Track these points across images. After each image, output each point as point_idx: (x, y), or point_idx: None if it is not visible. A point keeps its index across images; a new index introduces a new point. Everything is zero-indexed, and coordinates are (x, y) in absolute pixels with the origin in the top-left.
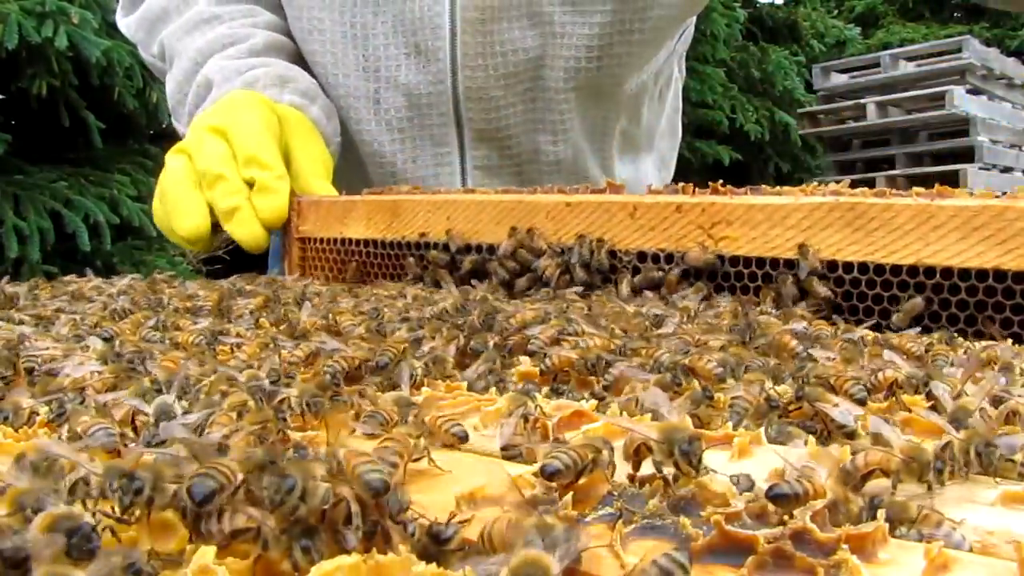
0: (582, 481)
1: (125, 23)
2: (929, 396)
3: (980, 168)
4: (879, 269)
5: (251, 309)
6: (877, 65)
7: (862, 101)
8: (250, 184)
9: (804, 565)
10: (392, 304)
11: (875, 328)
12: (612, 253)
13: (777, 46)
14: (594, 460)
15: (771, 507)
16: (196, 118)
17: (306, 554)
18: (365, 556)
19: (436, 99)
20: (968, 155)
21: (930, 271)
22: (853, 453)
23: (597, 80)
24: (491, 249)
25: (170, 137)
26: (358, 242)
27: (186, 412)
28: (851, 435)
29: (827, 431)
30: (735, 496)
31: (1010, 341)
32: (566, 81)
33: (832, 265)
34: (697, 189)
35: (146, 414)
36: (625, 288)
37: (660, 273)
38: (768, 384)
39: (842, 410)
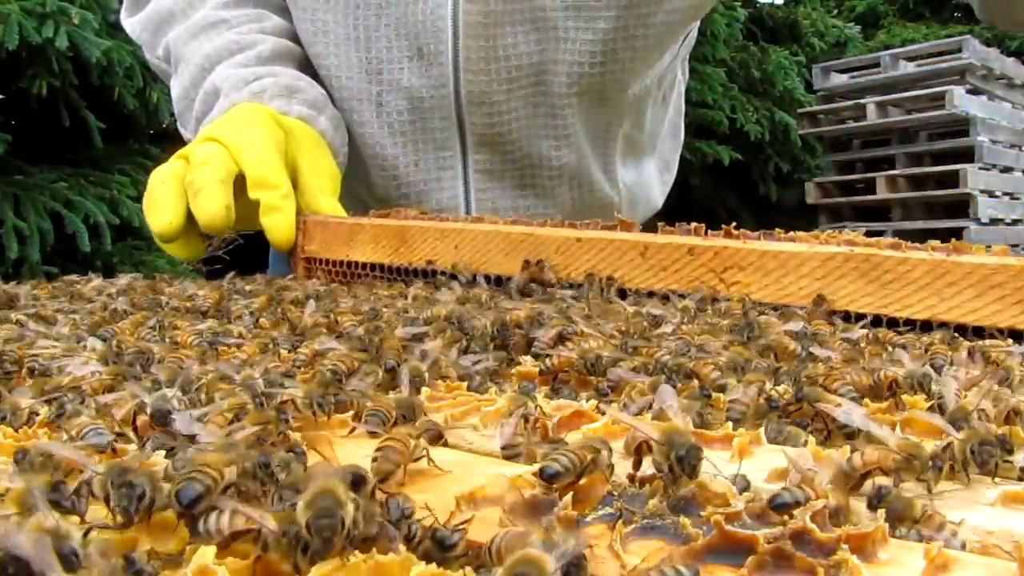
0: (582, 481)
1: (129, 23)
2: (929, 396)
3: (980, 168)
4: (892, 322)
5: (251, 309)
6: (877, 65)
7: (862, 101)
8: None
9: (804, 565)
10: (392, 304)
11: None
12: (622, 292)
13: (777, 46)
14: (593, 460)
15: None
16: (202, 130)
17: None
18: (365, 556)
19: (438, 103)
20: (968, 155)
21: (944, 327)
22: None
23: (600, 85)
24: (499, 280)
25: (170, 137)
26: (364, 265)
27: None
28: (852, 435)
29: (827, 431)
30: (735, 496)
31: (1010, 340)
32: (569, 86)
33: (846, 316)
34: (710, 231)
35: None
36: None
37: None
38: (768, 385)
39: (844, 410)
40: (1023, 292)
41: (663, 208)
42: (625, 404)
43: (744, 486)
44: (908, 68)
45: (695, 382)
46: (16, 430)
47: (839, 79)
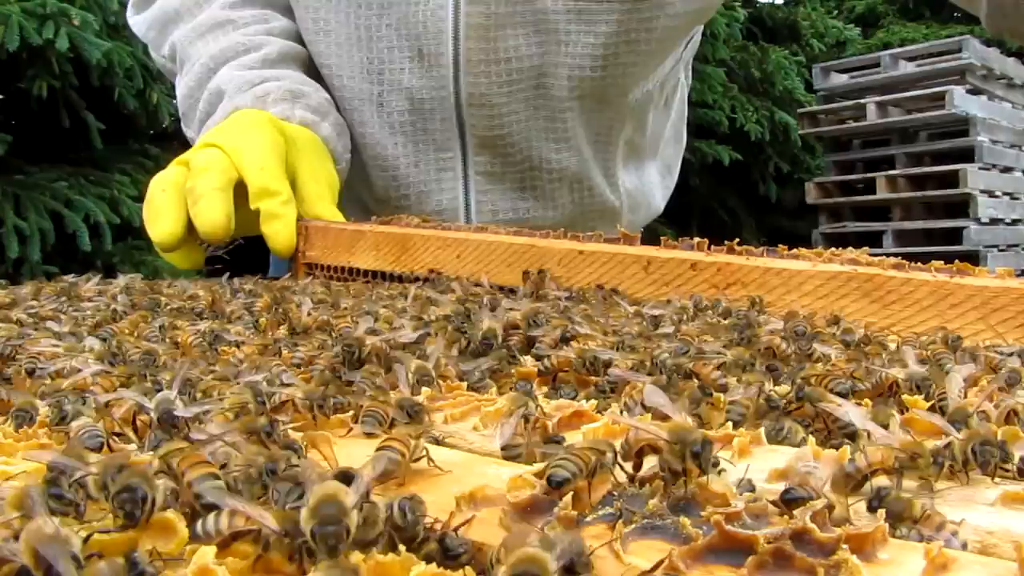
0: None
1: (135, 21)
2: (929, 397)
3: (980, 168)
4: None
5: (251, 309)
6: (877, 65)
7: (862, 101)
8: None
9: (804, 565)
10: (392, 304)
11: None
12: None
13: (777, 46)
14: (599, 463)
15: (771, 507)
16: (203, 134)
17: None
18: (365, 556)
19: (438, 104)
20: (968, 155)
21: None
22: (853, 453)
23: (601, 89)
24: (499, 290)
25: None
26: (366, 272)
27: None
28: (852, 435)
29: (827, 431)
30: (735, 496)
31: (1011, 339)
32: (570, 90)
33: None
34: (712, 247)
35: (147, 413)
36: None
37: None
38: (768, 386)
39: (846, 410)
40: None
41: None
42: (626, 405)
43: (749, 488)
44: (908, 68)
45: (695, 382)
46: (16, 430)
47: (839, 79)
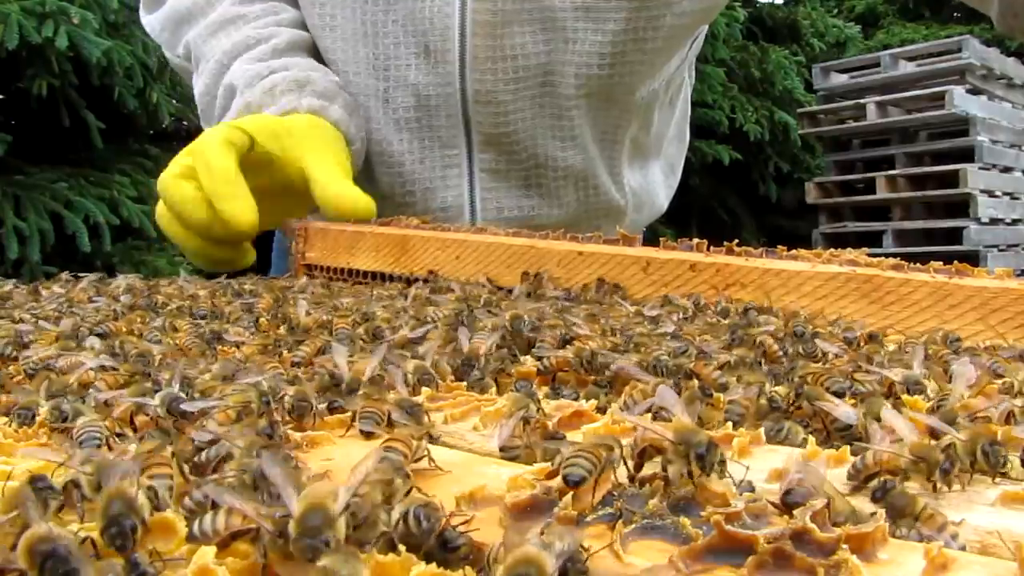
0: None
1: (148, 21)
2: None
3: (980, 168)
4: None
5: (252, 309)
6: (877, 65)
7: (862, 101)
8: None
9: (804, 565)
10: (391, 304)
11: None
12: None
13: (777, 46)
14: (608, 459)
15: (771, 507)
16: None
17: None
18: (365, 556)
19: (444, 101)
20: (968, 155)
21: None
22: (857, 453)
23: (608, 88)
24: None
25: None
26: (365, 274)
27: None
28: (850, 435)
29: (826, 431)
30: (735, 496)
31: (1011, 340)
32: (577, 88)
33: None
34: (712, 248)
35: (146, 414)
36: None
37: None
38: (768, 386)
39: (844, 410)
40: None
41: None
42: (627, 404)
43: (749, 488)
44: (908, 68)
45: (695, 382)
46: (16, 430)
47: (839, 79)
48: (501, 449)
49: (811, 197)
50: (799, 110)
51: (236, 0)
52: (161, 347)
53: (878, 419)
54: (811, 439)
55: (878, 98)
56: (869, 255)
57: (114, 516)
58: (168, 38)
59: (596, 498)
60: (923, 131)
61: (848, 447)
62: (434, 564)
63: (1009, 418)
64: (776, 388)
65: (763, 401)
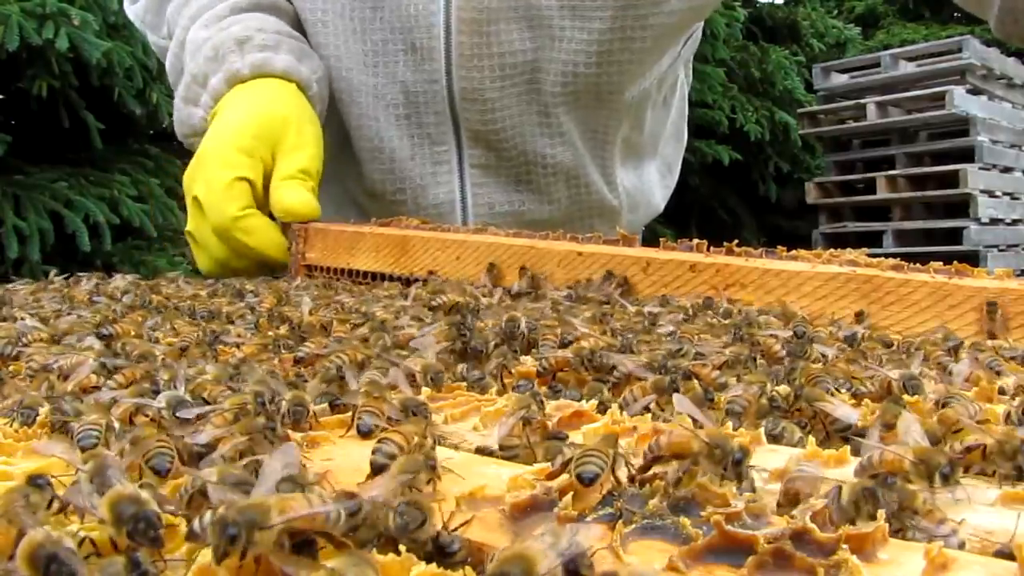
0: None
1: (132, 11)
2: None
3: (980, 168)
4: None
5: (254, 309)
6: (877, 65)
7: (862, 101)
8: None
9: (804, 565)
10: (390, 304)
11: None
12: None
13: (777, 46)
14: (615, 457)
15: (771, 507)
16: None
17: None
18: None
19: (431, 97)
20: (968, 155)
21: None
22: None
23: (596, 86)
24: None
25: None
26: (365, 274)
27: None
28: (848, 435)
29: (826, 432)
30: (735, 496)
31: (1011, 339)
32: (564, 85)
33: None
34: (712, 248)
35: (146, 415)
36: None
37: None
38: (768, 386)
39: (843, 410)
40: (1017, 320)
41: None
42: (626, 401)
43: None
44: (908, 68)
45: (695, 382)
46: (16, 430)
47: (839, 79)
48: (500, 448)
49: (811, 197)
50: (799, 110)
51: None
52: (161, 347)
53: (892, 424)
54: (811, 439)
55: (878, 98)
56: (869, 255)
57: (132, 515)
58: (152, 20)
59: (593, 499)
60: (923, 131)
61: (848, 447)
62: (434, 564)
63: (1008, 417)
64: (777, 388)
65: (763, 400)
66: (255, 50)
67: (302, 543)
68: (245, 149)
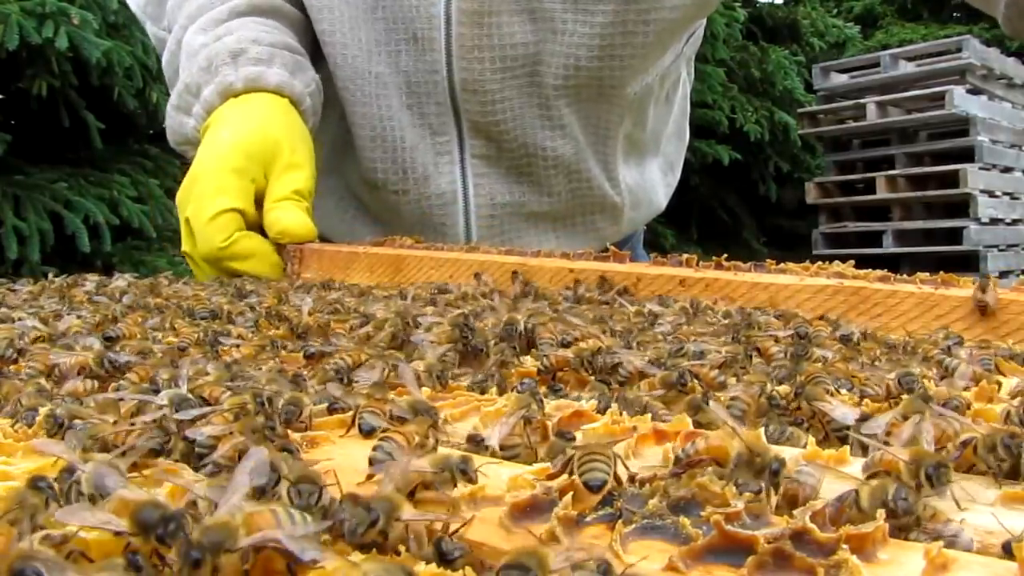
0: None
1: (135, 1)
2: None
3: (980, 168)
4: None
5: (252, 309)
6: (877, 65)
7: (862, 101)
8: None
9: (804, 565)
10: (389, 305)
11: None
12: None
13: (777, 46)
14: (615, 459)
15: (771, 507)
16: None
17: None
18: (365, 556)
19: (432, 88)
20: (968, 155)
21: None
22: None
23: (597, 80)
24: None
25: None
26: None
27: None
28: (845, 436)
29: (824, 432)
30: (735, 496)
31: (1011, 341)
32: (565, 79)
33: None
34: (701, 263)
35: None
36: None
37: None
38: (769, 386)
39: (842, 411)
40: (1010, 325)
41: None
42: (626, 399)
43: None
44: (908, 68)
45: (695, 383)
46: (15, 430)
47: (839, 79)
48: (500, 448)
49: (811, 197)
50: (799, 110)
51: None
52: (161, 347)
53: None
54: (811, 439)
55: (878, 98)
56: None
57: (160, 519)
58: (153, 10)
59: (593, 499)
60: (923, 131)
61: (847, 448)
62: (434, 565)
63: (1008, 417)
64: (778, 388)
65: (763, 400)
66: (249, 63)
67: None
68: (238, 170)
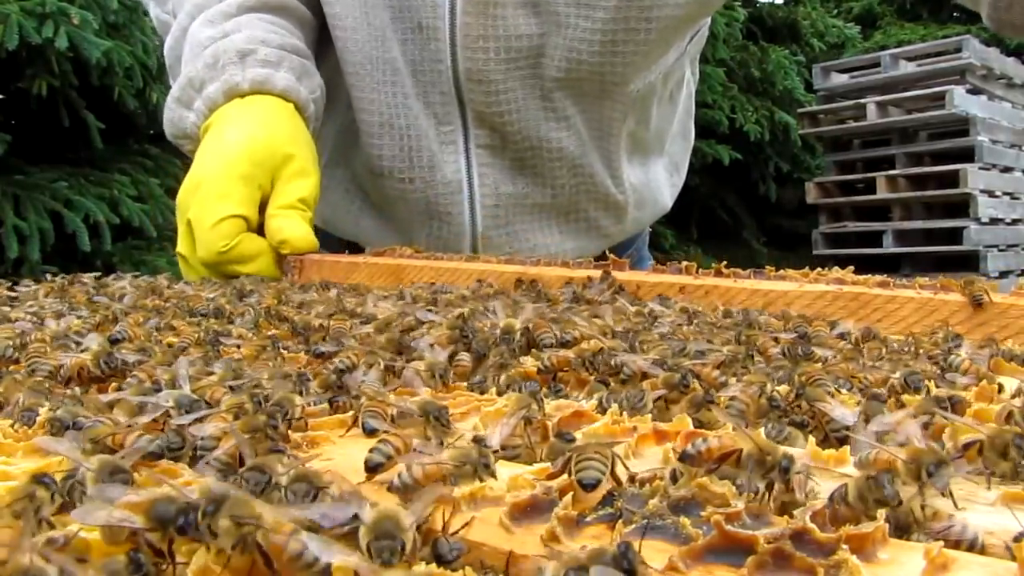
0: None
1: None
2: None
3: (980, 168)
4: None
5: (253, 309)
6: (877, 65)
7: (862, 101)
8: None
9: (804, 565)
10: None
11: None
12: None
13: (777, 46)
14: (614, 459)
15: (771, 507)
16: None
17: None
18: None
19: (437, 77)
20: (968, 155)
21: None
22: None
23: (599, 76)
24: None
25: None
26: None
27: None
28: (845, 436)
29: (824, 432)
30: (735, 496)
31: (1010, 342)
32: (567, 72)
33: None
34: (701, 270)
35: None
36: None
37: None
38: (769, 386)
39: (842, 411)
40: (1009, 330)
41: None
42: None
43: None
44: (908, 68)
45: (696, 383)
46: (16, 430)
47: (839, 79)
48: (501, 448)
49: (811, 197)
50: (799, 110)
51: None
52: (162, 347)
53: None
54: (811, 439)
55: (878, 98)
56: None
57: (178, 510)
58: None
59: (593, 499)
60: (923, 131)
61: (847, 448)
62: (434, 565)
63: (1008, 417)
64: (778, 388)
65: (763, 400)
66: (257, 65)
67: None
68: (245, 176)
